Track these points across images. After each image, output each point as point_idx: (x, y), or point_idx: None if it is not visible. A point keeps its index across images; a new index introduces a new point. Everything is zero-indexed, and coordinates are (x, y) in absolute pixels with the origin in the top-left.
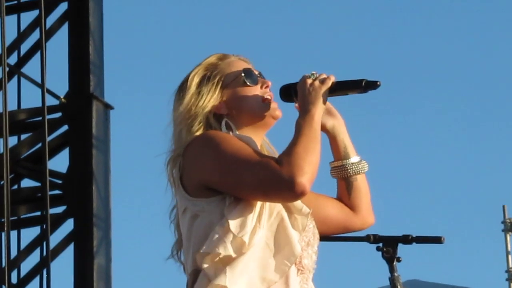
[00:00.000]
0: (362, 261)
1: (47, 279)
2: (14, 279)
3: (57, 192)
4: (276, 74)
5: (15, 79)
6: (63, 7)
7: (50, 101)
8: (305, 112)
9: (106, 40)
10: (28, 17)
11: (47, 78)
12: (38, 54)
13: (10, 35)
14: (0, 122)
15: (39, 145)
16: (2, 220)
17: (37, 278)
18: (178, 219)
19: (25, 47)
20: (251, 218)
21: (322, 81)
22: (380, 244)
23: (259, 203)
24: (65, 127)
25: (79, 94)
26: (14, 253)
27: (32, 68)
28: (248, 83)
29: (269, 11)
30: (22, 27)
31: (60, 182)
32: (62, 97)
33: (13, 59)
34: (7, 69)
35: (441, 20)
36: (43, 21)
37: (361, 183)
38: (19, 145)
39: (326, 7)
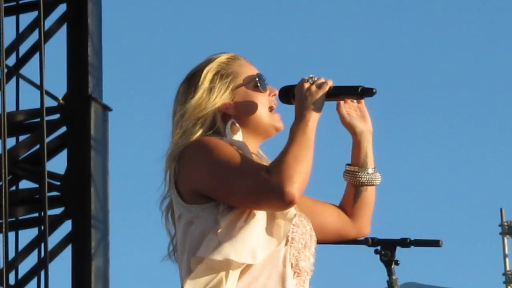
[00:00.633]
0: (360, 264)
1: (45, 281)
2: (12, 280)
3: (55, 193)
4: (274, 76)
5: (13, 80)
6: (62, 8)
7: (49, 102)
8: (300, 117)
9: (105, 41)
10: (27, 18)
11: (45, 79)
12: (36, 56)
13: (9, 36)
14: None
15: (37, 146)
16: (0, 221)
17: (35, 280)
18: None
19: (23, 48)
20: None
21: (319, 86)
22: (378, 247)
23: (252, 210)
24: (63, 129)
25: (78, 96)
26: (12, 254)
27: (30, 69)
28: (259, 89)
29: (269, 12)
30: (21, 28)
31: (58, 183)
32: (60, 98)
33: (11, 60)
34: (5, 70)
35: (442, 21)
36: (42, 22)
37: (369, 195)
38: (17, 146)
39: (327, 8)
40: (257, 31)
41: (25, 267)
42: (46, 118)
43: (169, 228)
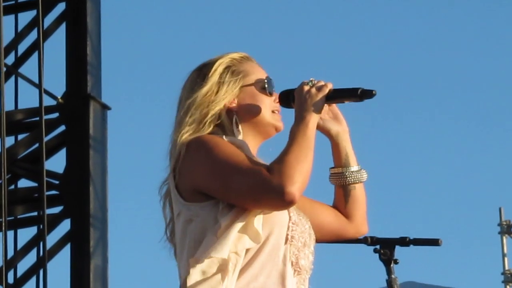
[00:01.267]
0: (360, 263)
1: (44, 280)
2: (10, 279)
3: (54, 192)
4: (274, 79)
5: (12, 79)
6: (60, 7)
7: (47, 101)
8: (300, 119)
9: (104, 40)
10: (25, 17)
11: (44, 78)
12: (35, 54)
13: (8, 35)
14: None
15: (36, 145)
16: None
17: (34, 278)
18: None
19: (22, 47)
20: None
21: (319, 89)
22: (378, 246)
23: (252, 210)
24: (62, 128)
25: (77, 95)
26: (11, 253)
27: (29, 68)
28: (266, 91)
29: (270, 13)
30: (20, 27)
31: (57, 182)
32: (59, 97)
33: (10, 59)
34: (4, 69)
35: (441, 21)
36: (40, 21)
37: (359, 192)
38: (16, 145)
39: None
40: (257, 31)
41: (24, 266)
42: (45, 117)
43: (166, 213)
